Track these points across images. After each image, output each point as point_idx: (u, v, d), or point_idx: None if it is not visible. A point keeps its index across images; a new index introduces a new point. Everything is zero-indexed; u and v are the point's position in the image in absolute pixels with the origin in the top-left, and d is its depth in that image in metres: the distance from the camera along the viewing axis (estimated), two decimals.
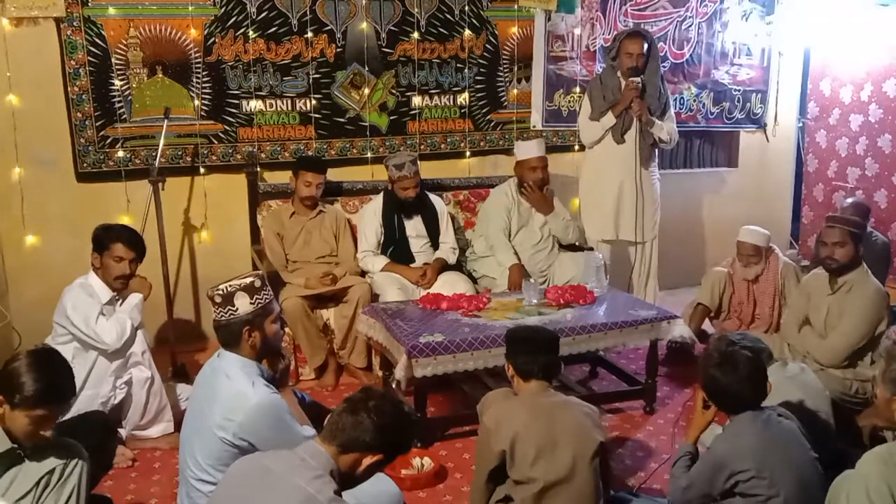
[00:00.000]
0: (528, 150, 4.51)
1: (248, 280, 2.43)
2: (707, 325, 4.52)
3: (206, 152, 4.47)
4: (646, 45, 4.41)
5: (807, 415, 2.75)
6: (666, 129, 4.54)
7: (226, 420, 2.27)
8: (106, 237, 3.22)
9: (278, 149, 4.63)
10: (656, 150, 4.68)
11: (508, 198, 4.47)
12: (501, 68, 5.06)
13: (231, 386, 2.33)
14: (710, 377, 2.34)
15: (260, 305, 2.41)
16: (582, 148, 4.89)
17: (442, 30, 4.84)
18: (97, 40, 4.15)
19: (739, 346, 2.35)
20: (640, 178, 4.52)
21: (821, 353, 3.44)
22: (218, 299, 2.39)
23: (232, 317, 2.38)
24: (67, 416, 2.98)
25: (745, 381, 2.28)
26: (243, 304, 2.38)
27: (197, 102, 4.39)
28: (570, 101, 5.23)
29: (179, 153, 4.43)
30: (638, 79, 4.39)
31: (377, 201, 4.38)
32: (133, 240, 3.25)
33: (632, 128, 4.47)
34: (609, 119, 4.48)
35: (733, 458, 2.23)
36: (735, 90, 5.74)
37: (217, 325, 2.42)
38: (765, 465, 2.20)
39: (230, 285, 2.41)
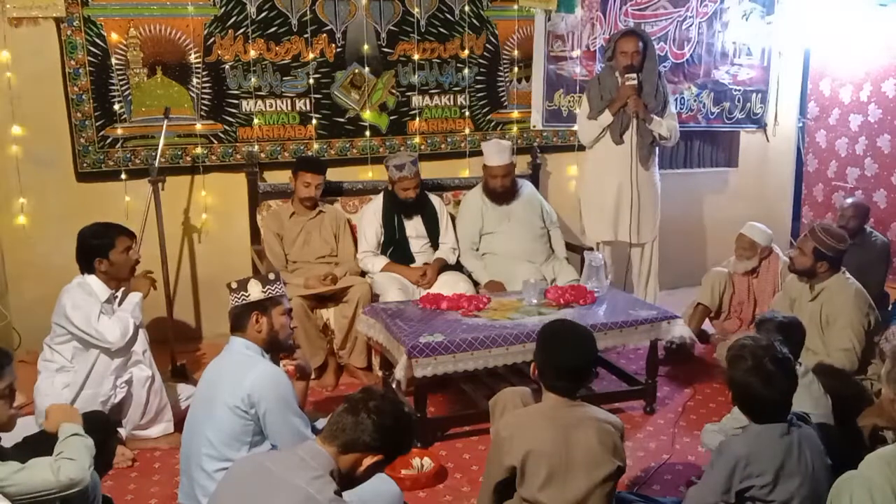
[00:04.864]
0: (493, 155, 4.42)
1: (265, 273, 2.74)
2: (707, 325, 4.52)
3: (205, 152, 4.47)
4: (641, 44, 4.40)
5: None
6: (665, 126, 4.50)
7: (235, 386, 2.44)
8: (105, 238, 3.19)
9: (278, 149, 4.63)
10: (657, 150, 4.65)
11: (481, 201, 4.47)
12: (501, 68, 5.06)
13: (235, 359, 2.56)
14: (744, 384, 2.25)
15: (270, 294, 2.62)
16: (582, 148, 4.89)
17: (442, 30, 4.84)
18: (97, 40, 4.15)
19: (782, 358, 2.25)
20: (637, 179, 4.49)
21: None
22: (234, 285, 2.64)
23: (244, 301, 2.60)
24: None
25: (779, 396, 2.24)
26: (255, 291, 2.61)
27: (197, 102, 4.39)
28: (570, 102, 5.22)
29: (179, 153, 4.43)
30: (634, 75, 4.36)
31: (377, 201, 4.38)
32: (124, 227, 3.32)
33: (630, 128, 4.46)
34: (606, 117, 4.46)
35: (751, 460, 2.17)
36: (735, 90, 5.74)
37: (230, 311, 2.63)
38: (782, 470, 2.16)
39: (248, 276, 2.68)
